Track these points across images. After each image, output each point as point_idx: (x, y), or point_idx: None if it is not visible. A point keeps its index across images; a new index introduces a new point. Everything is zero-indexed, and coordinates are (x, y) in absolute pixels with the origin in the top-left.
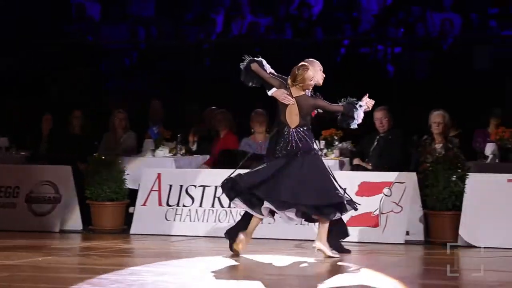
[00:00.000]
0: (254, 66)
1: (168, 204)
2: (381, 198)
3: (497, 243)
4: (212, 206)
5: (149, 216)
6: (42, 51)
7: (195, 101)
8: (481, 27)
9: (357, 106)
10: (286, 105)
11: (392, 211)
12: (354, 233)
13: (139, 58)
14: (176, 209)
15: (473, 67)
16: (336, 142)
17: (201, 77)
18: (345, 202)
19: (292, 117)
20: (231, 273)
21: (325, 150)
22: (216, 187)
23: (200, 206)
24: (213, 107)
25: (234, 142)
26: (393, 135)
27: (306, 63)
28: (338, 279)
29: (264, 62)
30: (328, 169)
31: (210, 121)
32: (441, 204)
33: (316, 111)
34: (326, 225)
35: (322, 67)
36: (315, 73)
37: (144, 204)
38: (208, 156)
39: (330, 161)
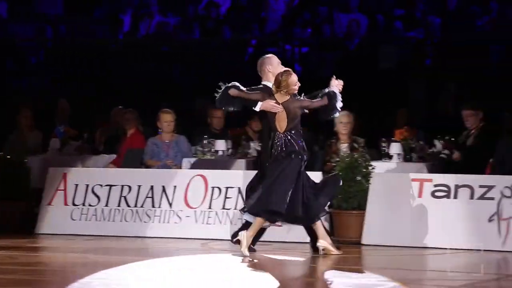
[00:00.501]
0: (232, 91)
1: (74, 204)
2: None
3: (401, 241)
4: (118, 205)
5: (54, 216)
6: None
7: (103, 100)
8: (386, 28)
9: (335, 94)
10: (275, 113)
11: None
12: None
13: (46, 56)
14: (82, 208)
15: (378, 67)
16: (243, 142)
17: (109, 76)
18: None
19: (281, 123)
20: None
21: (232, 150)
22: (122, 186)
23: (106, 205)
24: (120, 107)
25: (141, 141)
26: None
27: (289, 69)
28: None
29: (237, 84)
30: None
31: (118, 120)
32: (346, 204)
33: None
34: (318, 224)
35: (232, 66)
36: (276, 68)
37: (49, 204)
38: (114, 156)
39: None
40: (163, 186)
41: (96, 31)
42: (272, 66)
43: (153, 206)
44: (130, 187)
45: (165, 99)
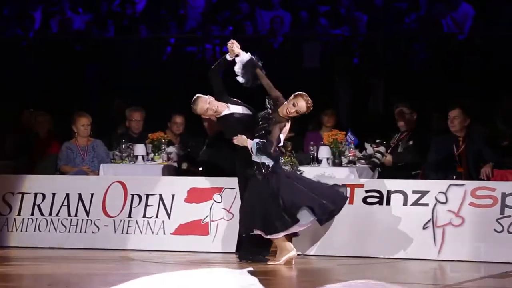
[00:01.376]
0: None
1: None
2: (211, 204)
3: (332, 251)
4: (32, 214)
5: None
6: None
7: (11, 102)
8: (310, 25)
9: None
10: None
11: (223, 218)
12: (183, 242)
13: None
14: None
15: (303, 65)
16: (164, 146)
17: (19, 76)
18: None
19: None
20: None
21: (151, 155)
22: (35, 194)
23: (19, 214)
24: (31, 109)
25: (55, 145)
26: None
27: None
28: None
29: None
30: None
31: (29, 123)
32: None
33: None
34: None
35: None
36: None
37: None
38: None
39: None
40: (80, 194)
41: (5, 29)
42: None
43: (69, 215)
44: (44, 195)
45: (78, 100)
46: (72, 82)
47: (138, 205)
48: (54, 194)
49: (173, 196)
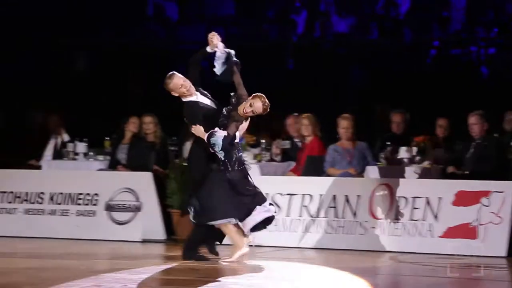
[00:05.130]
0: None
1: None
2: (478, 208)
3: None
4: (300, 215)
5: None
6: (119, 51)
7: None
8: None
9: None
10: None
11: (491, 222)
12: (451, 245)
13: None
14: None
15: None
16: (429, 149)
17: (284, 79)
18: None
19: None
20: None
21: (417, 158)
22: (303, 195)
23: (288, 215)
24: (296, 114)
25: (321, 148)
26: (489, 141)
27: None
28: None
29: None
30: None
31: (295, 127)
32: None
33: None
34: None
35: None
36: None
37: None
38: (293, 163)
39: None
40: (346, 196)
41: (268, 32)
42: None
43: (336, 217)
44: (311, 196)
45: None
46: (335, 85)
47: (404, 207)
48: (321, 196)
49: (439, 198)
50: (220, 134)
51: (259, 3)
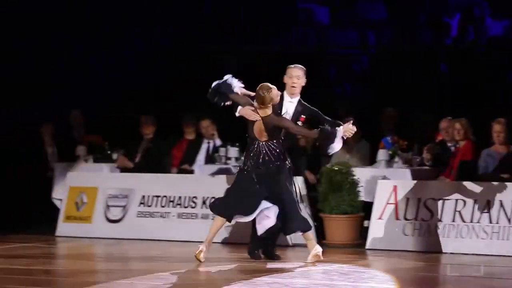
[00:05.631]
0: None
1: (405, 218)
2: None
3: None
4: (453, 221)
5: (385, 231)
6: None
7: (431, 110)
8: None
9: (333, 135)
10: (254, 121)
11: None
12: None
13: (370, 63)
14: (414, 223)
15: None
16: None
17: (437, 83)
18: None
19: (261, 132)
20: None
21: None
22: (456, 200)
23: (440, 220)
24: (449, 118)
25: (473, 152)
26: None
27: (269, 85)
28: None
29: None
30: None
31: (449, 131)
32: None
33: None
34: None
35: None
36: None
37: (380, 218)
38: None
39: None
40: (501, 201)
41: (421, 36)
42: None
43: (490, 222)
44: (464, 201)
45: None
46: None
47: None
48: (474, 201)
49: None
50: None
51: (411, 6)
